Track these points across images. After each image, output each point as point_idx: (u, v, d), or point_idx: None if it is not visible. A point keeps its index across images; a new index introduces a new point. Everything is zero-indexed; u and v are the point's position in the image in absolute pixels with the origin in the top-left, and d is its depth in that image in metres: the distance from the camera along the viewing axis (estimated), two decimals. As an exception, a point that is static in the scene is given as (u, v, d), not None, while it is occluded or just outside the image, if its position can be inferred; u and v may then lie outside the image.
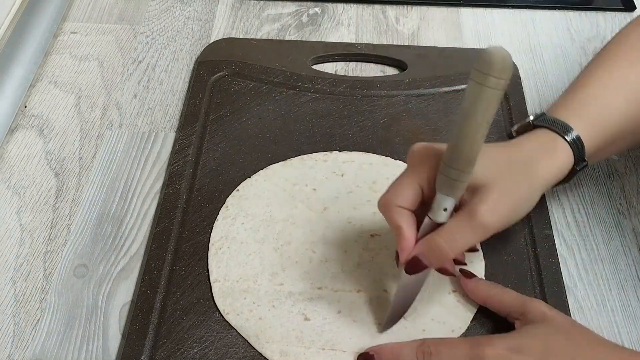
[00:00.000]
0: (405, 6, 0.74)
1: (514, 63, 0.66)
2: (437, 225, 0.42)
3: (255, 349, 0.47)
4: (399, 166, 0.57)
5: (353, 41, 0.70)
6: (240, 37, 0.70)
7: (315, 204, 0.54)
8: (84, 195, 0.57)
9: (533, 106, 0.63)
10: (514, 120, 0.60)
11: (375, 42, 0.70)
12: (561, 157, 0.47)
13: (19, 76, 0.63)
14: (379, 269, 0.50)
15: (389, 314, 0.47)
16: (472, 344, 0.41)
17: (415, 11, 0.74)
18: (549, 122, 0.48)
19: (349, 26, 0.72)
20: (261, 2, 0.74)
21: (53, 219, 0.55)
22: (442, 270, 0.46)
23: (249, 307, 0.49)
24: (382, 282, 0.50)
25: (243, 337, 0.47)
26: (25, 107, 0.63)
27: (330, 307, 0.49)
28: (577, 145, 0.48)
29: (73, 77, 0.66)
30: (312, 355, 0.46)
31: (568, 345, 0.41)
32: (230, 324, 0.48)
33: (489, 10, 0.74)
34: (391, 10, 0.74)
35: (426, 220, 0.43)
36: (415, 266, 0.43)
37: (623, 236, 0.54)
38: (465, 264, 0.48)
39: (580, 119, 0.48)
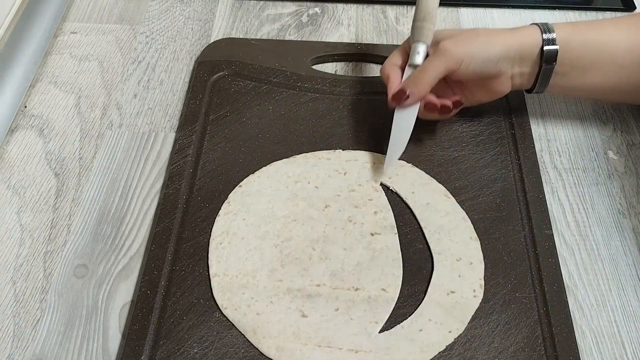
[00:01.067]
0: (405, 6, 0.74)
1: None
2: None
3: (254, 348, 0.47)
4: (402, 166, 0.57)
5: (353, 41, 0.70)
6: (240, 37, 0.70)
7: (317, 202, 0.55)
8: (84, 195, 0.57)
9: (533, 106, 0.63)
10: (514, 120, 0.60)
11: (375, 42, 0.70)
12: (527, 34, 0.54)
13: (19, 76, 0.63)
14: (378, 268, 0.51)
15: (387, 152, 0.55)
16: None
17: (415, 11, 0.74)
18: (539, 25, 0.55)
19: (349, 26, 0.72)
20: (261, 2, 0.74)
21: (53, 219, 0.55)
22: (427, 105, 0.55)
23: (247, 302, 0.49)
24: (381, 281, 0.50)
25: (243, 338, 0.47)
26: (25, 107, 0.63)
27: (328, 305, 0.49)
28: (548, 37, 0.54)
29: (73, 77, 0.66)
30: (308, 352, 0.46)
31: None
32: (228, 320, 0.48)
33: (489, 10, 0.74)
34: (391, 10, 0.74)
35: (407, 68, 0.56)
36: (399, 96, 0.54)
37: (623, 236, 0.54)
38: (448, 108, 0.56)
39: (565, 28, 0.55)
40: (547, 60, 0.54)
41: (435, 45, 0.55)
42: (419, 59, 0.55)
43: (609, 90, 0.57)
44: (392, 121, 0.55)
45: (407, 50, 0.57)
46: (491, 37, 0.54)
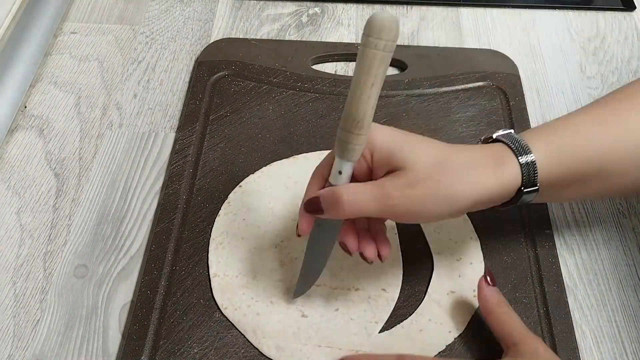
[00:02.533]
0: (405, 6, 0.74)
1: (511, 61, 0.66)
2: None
3: (254, 348, 0.47)
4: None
5: (353, 41, 0.70)
6: (240, 37, 0.70)
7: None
8: (84, 195, 0.57)
9: (533, 106, 0.63)
10: (513, 120, 0.60)
11: (375, 42, 0.70)
12: (504, 177, 0.43)
13: (19, 76, 0.63)
14: (378, 268, 0.50)
15: (299, 278, 0.47)
16: None
17: (415, 11, 0.74)
18: (509, 139, 0.44)
19: (348, 26, 0.72)
20: (261, 2, 0.74)
21: (53, 219, 0.55)
22: (342, 245, 0.45)
23: (247, 302, 0.49)
24: (381, 281, 0.50)
25: (243, 338, 0.47)
26: (25, 107, 0.63)
27: (327, 305, 0.49)
28: (529, 169, 0.43)
29: (73, 77, 0.66)
30: (308, 352, 0.46)
31: None
32: (228, 320, 0.48)
33: (488, 10, 0.74)
34: (391, 10, 0.74)
35: (327, 185, 0.43)
36: (313, 205, 0.42)
37: (623, 236, 0.54)
38: (368, 260, 0.45)
39: (544, 144, 0.44)
40: (522, 201, 0.45)
41: (383, 161, 0.42)
42: (339, 179, 0.42)
43: (600, 193, 0.50)
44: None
45: (330, 157, 0.43)
46: (457, 187, 0.42)
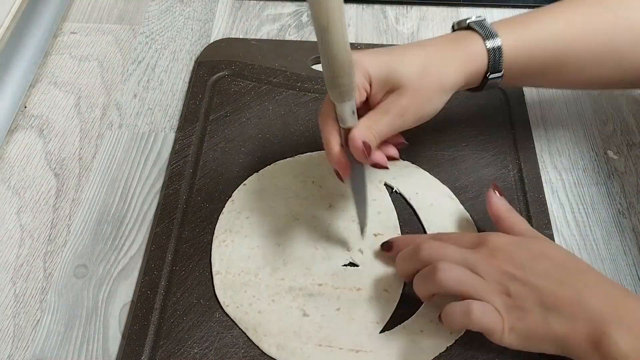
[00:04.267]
0: (405, 6, 0.74)
1: None
2: (348, 130, 0.46)
3: (255, 349, 0.47)
4: (407, 166, 0.57)
5: (353, 41, 0.70)
6: (240, 37, 0.70)
7: (320, 201, 0.54)
8: (84, 195, 0.57)
9: (533, 105, 0.63)
10: (513, 120, 0.60)
11: (375, 42, 0.70)
12: (474, 64, 0.48)
13: (19, 76, 0.63)
14: (380, 268, 0.50)
15: (358, 215, 0.51)
16: (480, 234, 0.47)
17: (415, 11, 0.74)
18: (478, 26, 0.49)
19: (348, 26, 0.72)
20: (261, 2, 0.74)
21: (53, 219, 0.55)
22: (374, 165, 0.47)
23: (248, 300, 0.49)
24: (383, 282, 0.50)
25: (243, 338, 0.47)
26: (25, 107, 0.63)
27: (329, 304, 0.49)
28: (495, 54, 0.48)
29: (73, 77, 0.66)
30: (309, 351, 0.46)
31: (560, 264, 0.44)
32: (228, 320, 0.48)
33: (488, 10, 0.74)
34: (391, 10, 0.74)
35: (343, 130, 0.46)
36: (362, 153, 0.45)
37: (623, 236, 0.54)
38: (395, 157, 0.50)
39: (510, 31, 0.49)
40: (489, 86, 0.50)
41: (386, 79, 0.47)
42: (347, 120, 0.45)
43: (557, 83, 0.55)
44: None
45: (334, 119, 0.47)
46: (442, 86, 0.48)
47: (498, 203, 0.50)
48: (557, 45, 0.49)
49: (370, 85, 0.47)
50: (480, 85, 0.50)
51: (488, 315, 0.43)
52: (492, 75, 0.49)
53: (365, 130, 0.46)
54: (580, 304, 0.41)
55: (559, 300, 0.42)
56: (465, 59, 0.48)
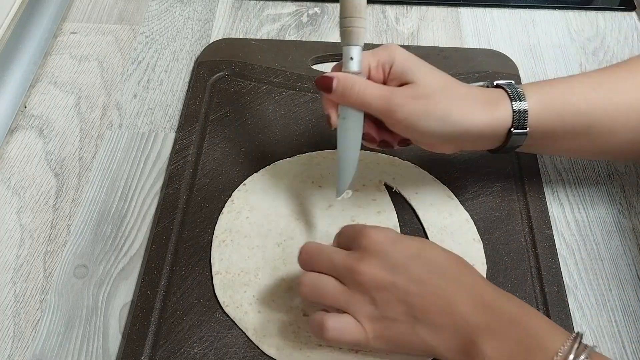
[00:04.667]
0: (405, 6, 0.74)
1: (511, 61, 0.66)
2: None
3: (254, 349, 0.47)
4: (408, 166, 0.57)
5: (353, 41, 0.70)
6: (240, 37, 0.70)
7: (320, 201, 0.55)
8: (84, 195, 0.57)
9: (533, 106, 0.63)
10: (514, 120, 0.60)
11: (375, 42, 0.70)
12: (495, 115, 0.47)
13: (19, 76, 0.63)
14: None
15: (337, 177, 0.49)
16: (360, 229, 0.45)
17: (415, 11, 0.74)
18: (508, 86, 0.49)
19: (348, 26, 0.72)
20: (261, 2, 0.74)
21: (53, 219, 0.55)
22: (366, 135, 0.49)
23: (248, 300, 0.49)
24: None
25: (243, 338, 0.47)
26: (25, 107, 0.63)
27: None
28: (520, 114, 0.47)
29: (73, 77, 0.66)
30: (309, 351, 0.46)
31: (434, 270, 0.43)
32: (228, 320, 0.48)
33: (488, 10, 0.74)
34: (391, 10, 0.74)
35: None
36: (324, 82, 0.47)
37: (623, 236, 0.54)
38: (389, 144, 0.50)
39: (538, 94, 0.48)
40: (512, 144, 0.49)
41: (396, 83, 0.47)
42: (353, 65, 0.47)
43: (588, 152, 0.53)
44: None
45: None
46: (454, 116, 0.46)
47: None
48: (585, 106, 0.48)
49: (390, 70, 0.47)
50: (503, 143, 0.49)
51: (345, 331, 0.42)
52: (516, 131, 0.47)
53: (359, 80, 0.46)
54: (449, 314, 0.40)
55: (427, 310, 0.41)
56: (489, 108, 0.47)
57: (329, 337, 0.42)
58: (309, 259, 0.45)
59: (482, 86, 0.51)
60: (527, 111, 0.47)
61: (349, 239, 0.45)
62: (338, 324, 0.42)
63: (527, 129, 0.47)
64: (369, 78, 0.48)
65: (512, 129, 0.47)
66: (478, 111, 0.47)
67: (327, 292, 0.43)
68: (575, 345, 0.38)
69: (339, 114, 0.48)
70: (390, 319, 0.41)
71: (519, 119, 0.47)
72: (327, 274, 0.44)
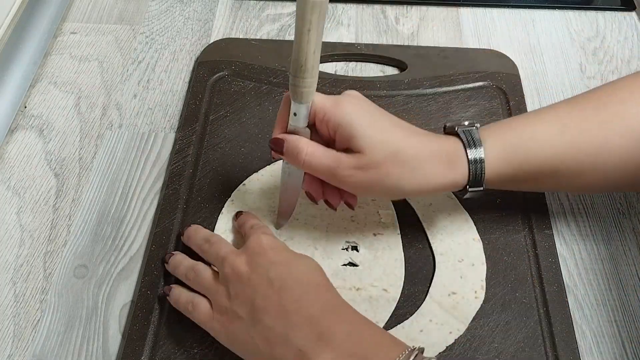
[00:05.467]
0: (405, 6, 0.74)
1: (511, 61, 0.66)
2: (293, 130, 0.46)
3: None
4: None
5: (353, 41, 0.70)
6: (240, 37, 0.70)
7: (320, 201, 0.54)
8: (84, 195, 0.57)
9: (533, 106, 0.63)
10: (470, 176, 0.59)
11: (375, 42, 0.70)
12: (451, 176, 0.46)
13: (19, 76, 0.63)
14: (380, 268, 0.50)
15: (278, 210, 0.52)
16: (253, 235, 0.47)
17: (415, 11, 0.74)
18: (464, 134, 0.46)
19: (348, 26, 0.72)
20: (261, 2, 0.74)
21: (53, 219, 0.55)
22: (307, 193, 0.50)
23: None
24: (383, 281, 0.50)
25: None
26: (25, 107, 0.63)
27: None
28: (476, 168, 0.45)
29: (73, 78, 0.66)
30: None
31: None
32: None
33: (488, 10, 0.74)
34: (391, 10, 0.74)
35: (288, 127, 0.47)
36: (277, 145, 0.46)
37: (623, 236, 0.54)
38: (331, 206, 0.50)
39: (499, 143, 0.46)
40: (470, 196, 0.48)
41: (344, 137, 0.45)
42: (297, 121, 0.46)
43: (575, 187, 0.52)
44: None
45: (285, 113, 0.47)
46: (405, 180, 0.45)
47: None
48: (551, 153, 0.46)
49: (336, 133, 0.45)
50: (460, 192, 0.48)
51: (198, 311, 0.45)
52: (471, 189, 0.47)
53: (307, 146, 0.45)
54: (284, 320, 0.41)
55: (266, 312, 0.41)
56: (444, 169, 0.45)
57: (189, 312, 0.46)
58: (199, 237, 0.49)
59: (450, 127, 0.48)
60: (483, 165, 0.45)
61: (245, 234, 0.49)
62: (194, 304, 0.46)
63: (483, 186, 0.46)
64: (314, 125, 0.46)
65: (467, 187, 0.46)
66: (430, 176, 0.45)
67: (197, 279, 0.46)
68: (412, 357, 0.38)
69: (282, 165, 0.49)
70: (235, 314, 0.43)
71: (475, 174, 0.46)
72: (209, 262, 0.47)
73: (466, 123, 0.48)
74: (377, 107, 0.47)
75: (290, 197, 0.51)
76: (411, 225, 0.53)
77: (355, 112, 0.45)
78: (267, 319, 0.41)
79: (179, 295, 0.47)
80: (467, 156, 0.45)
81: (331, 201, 0.49)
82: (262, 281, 0.42)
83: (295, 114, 0.45)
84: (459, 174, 0.46)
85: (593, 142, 0.46)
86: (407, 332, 0.47)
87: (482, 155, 0.45)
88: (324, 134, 0.46)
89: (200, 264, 0.48)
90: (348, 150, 0.45)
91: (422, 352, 0.40)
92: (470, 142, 0.46)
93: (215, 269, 0.47)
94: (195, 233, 0.50)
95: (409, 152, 0.45)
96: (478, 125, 0.47)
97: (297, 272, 0.43)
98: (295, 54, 0.43)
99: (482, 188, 0.46)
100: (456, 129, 0.47)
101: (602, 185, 0.49)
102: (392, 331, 0.47)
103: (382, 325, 0.48)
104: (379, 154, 0.44)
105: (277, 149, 0.46)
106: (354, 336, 0.40)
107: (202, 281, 0.46)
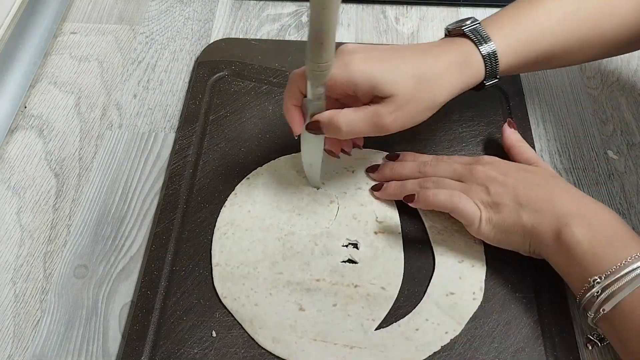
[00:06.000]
0: (405, 6, 0.74)
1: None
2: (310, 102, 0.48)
3: (255, 349, 0.47)
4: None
5: (353, 41, 0.70)
6: (240, 37, 0.70)
7: (322, 198, 0.55)
8: (84, 195, 0.57)
9: (533, 106, 0.63)
10: (513, 121, 0.60)
11: (375, 42, 0.70)
12: (471, 72, 0.50)
13: (19, 76, 0.63)
14: (379, 266, 0.51)
15: (307, 175, 0.55)
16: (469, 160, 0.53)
17: (415, 11, 0.74)
18: (473, 33, 0.50)
19: (348, 26, 0.72)
20: (261, 2, 0.74)
21: (53, 219, 0.55)
22: (328, 151, 0.53)
23: (246, 292, 0.49)
24: (382, 279, 0.50)
25: (243, 338, 0.47)
26: (25, 107, 0.63)
27: (326, 300, 0.49)
28: (490, 60, 0.50)
29: (73, 78, 0.66)
30: (304, 345, 0.46)
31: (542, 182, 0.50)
32: (228, 320, 0.48)
33: (488, 10, 0.74)
34: (391, 10, 0.74)
35: (304, 99, 0.48)
36: (314, 127, 0.49)
37: (623, 236, 0.54)
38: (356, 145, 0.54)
39: (504, 33, 0.51)
40: (487, 81, 0.52)
41: (366, 87, 0.47)
42: (320, 99, 0.47)
43: (570, 63, 0.57)
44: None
45: (300, 88, 0.48)
46: (436, 95, 0.49)
47: (511, 134, 0.55)
48: (551, 41, 0.52)
49: (356, 90, 0.47)
50: (477, 88, 0.52)
51: (468, 204, 0.49)
52: (488, 82, 0.51)
53: (341, 116, 0.47)
54: (550, 202, 0.47)
55: (531, 198, 0.47)
56: (462, 71, 0.50)
57: (455, 202, 0.49)
58: (420, 166, 0.54)
59: (454, 29, 0.52)
60: (496, 53, 0.50)
61: (463, 167, 0.52)
62: (464, 199, 0.49)
63: (498, 77, 0.51)
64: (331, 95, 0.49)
65: (484, 82, 0.51)
66: (455, 82, 0.49)
67: (446, 184, 0.51)
68: None
69: (302, 135, 0.50)
70: (500, 204, 0.48)
71: (491, 68, 0.50)
72: (444, 176, 0.52)
73: (468, 22, 0.51)
74: (377, 47, 0.50)
75: (315, 160, 0.53)
76: (413, 224, 0.53)
77: (365, 65, 0.47)
78: (533, 201, 0.47)
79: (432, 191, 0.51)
80: (480, 53, 0.50)
81: (346, 149, 0.54)
82: (515, 182, 0.49)
83: (313, 95, 0.47)
84: (476, 70, 0.50)
85: (586, 29, 0.52)
86: (403, 330, 0.47)
87: (495, 48, 0.50)
88: (339, 94, 0.49)
89: (416, 180, 0.52)
90: (375, 99, 0.47)
91: None
92: (480, 39, 0.50)
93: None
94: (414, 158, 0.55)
95: (430, 73, 0.48)
96: (478, 21, 0.51)
97: (538, 173, 0.50)
98: (313, 35, 0.42)
99: (497, 79, 0.51)
100: (462, 29, 0.51)
101: (587, 60, 0.57)
102: (388, 329, 0.48)
103: (378, 322, 0.48)
104: (407, 90, 0.47)
105: (316, 131, 0.49)
106: (604, 223, 0.46)
107: (449, 184, 0.51)
